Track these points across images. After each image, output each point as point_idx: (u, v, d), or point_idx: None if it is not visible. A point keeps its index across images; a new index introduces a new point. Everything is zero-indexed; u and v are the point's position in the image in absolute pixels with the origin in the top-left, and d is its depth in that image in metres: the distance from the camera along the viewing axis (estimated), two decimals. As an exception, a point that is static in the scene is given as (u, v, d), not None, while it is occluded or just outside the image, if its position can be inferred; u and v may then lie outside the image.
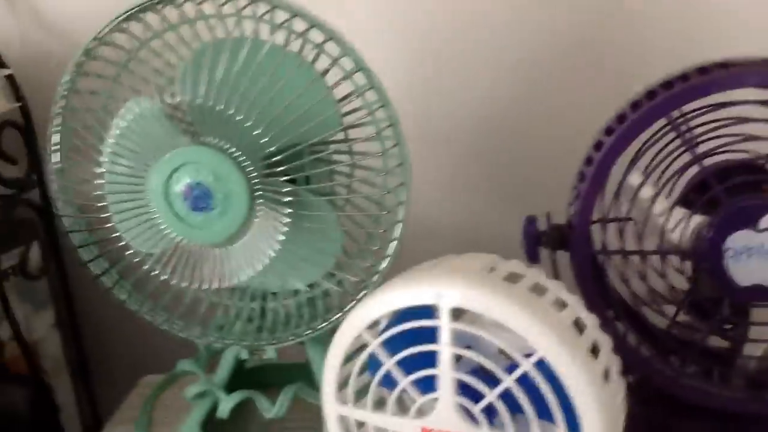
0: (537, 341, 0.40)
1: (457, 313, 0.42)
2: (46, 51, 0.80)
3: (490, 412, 0.43)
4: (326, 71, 0.52)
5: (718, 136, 0.50)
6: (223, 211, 0.51)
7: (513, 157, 0.75)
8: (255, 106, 0.50)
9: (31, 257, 0.79)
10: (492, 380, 0.42)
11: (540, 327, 0.40)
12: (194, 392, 0.63)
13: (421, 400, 0.44)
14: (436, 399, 0.43)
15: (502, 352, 0.42)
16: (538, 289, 0.44)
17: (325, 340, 0.51)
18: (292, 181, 0.53)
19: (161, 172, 0.51)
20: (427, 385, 0.44)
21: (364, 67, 0.52)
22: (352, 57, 0.52)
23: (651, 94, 0.52)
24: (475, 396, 0.43)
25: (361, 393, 0.46)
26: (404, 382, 0.44)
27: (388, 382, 0.45)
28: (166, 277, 0.55)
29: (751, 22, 0.67)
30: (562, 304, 0.44)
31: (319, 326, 0.57)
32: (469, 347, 0.43)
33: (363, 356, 0.45)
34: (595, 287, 0.55)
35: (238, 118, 0.50)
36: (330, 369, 0.46)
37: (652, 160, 0.53)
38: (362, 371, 0.46)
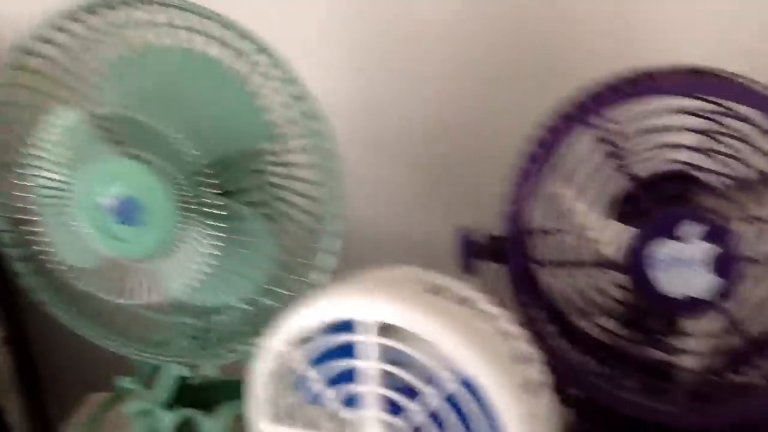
0: (464, 359, 0.40)
1: (385, 329, 0.42)
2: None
3: (419, 429, 0.42)
4: (256, 83, 0.52)
5: (646, 148, 0.50)
6: (151, 224, 0.50)
7: (459, 166, 0.74)
8: (182, 118, 0.49)
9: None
10: (419, 397, 0.41)
11: (467, 344, 0.40)
12: (134, 410, 0.62)
13: (348, 417, 0.43)
14: (363, 416, 0.42)
15: (428, 368, 0.41)
16: (466, 303, 0.43)
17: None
18: (228, 194, 0.53)
19: (88, 185, 0.50)
20: (359, 402, 0.43)
21: (295, 78, 0.51)
22: (283, 68, 0.51)
23: (576, 103, 0.52)
24: (403, 412, 0.42)
25: (289, 410, 0.45)
26: (330, 398, 0.43)
27: (317, 399, 0.44)
28: (98, 291, 0.54)
29: (687, 31, 0.68)
30: (490, 319, 0.43)
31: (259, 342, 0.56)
32: (396, 363, 0.42)
33: (285, 372, 0.44)
34: (530, 299, 0.55)
35: (164, 130, 0.49)
36: (256, 386, 0.45)
37: (583, 171, 0.52)
38: (290, 388, 0.45)
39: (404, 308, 0.40)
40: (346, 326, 0.42)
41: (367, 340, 0.40)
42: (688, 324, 0.52)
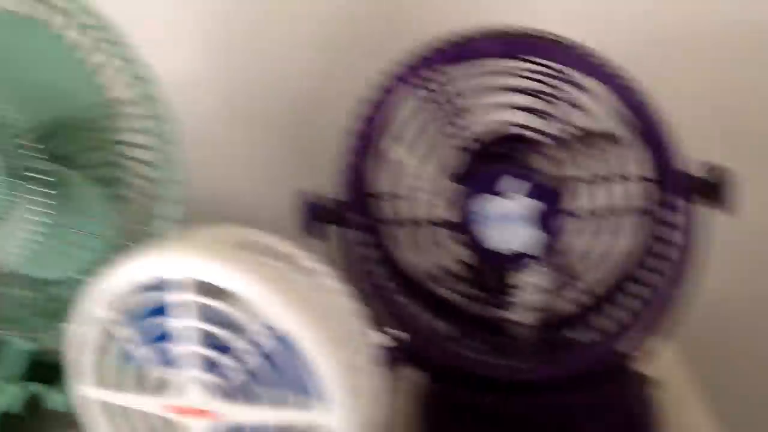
0: (279, 314, 0.40)
1: (204, 287, 0.42)
2: None
3: (240, 387, 0.42)
4: (87, 48, 0.51)
5: (473, 108, 0.51)
6: (-24, 192, 0.49)
7: (306, 132, 0.75)
8: (3, 81, 0.48)
9: None
10: (239, 355, 0.42)
11: (281, 299, 0.40)
12: (-22, 386, 0.61)
13: (170, 378, 0.43)
14: (183, 376, 0.42)
15: (244, 325, 0.41)
16: (286, 260, 0.44)
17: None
18: (61, 161, 0.52)
19: None
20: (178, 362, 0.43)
21: (122, 42, 0.50)
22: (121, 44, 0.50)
23: (404, 64, 0.53)
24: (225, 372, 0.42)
25: (111, 374, 0.45)
26: (150, 359, 0.42)
27: (138, 361, 0.43)
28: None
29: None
30: (310, 275, 0.44)
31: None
32: (216, 322, 0.42)
33: (104, 335, 0.43)
34: (375, 262, 0.56)
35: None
36: (76, 351, 0.44)
37: (414, 131, 0.53)
38: (110, 351, 0.44)
39: (217, 265, 0.40)
40: (162, 286, 0.41)
41: (180, 299, 0.40)
42: (521, 279, 0.54)
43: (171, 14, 0.75)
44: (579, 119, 0.53)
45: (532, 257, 0.52)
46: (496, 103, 0.53)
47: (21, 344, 0.59)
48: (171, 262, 0.41)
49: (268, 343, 0.40)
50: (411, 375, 0.60)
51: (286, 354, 0.40)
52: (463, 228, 0.52)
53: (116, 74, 0.52)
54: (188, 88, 0.78)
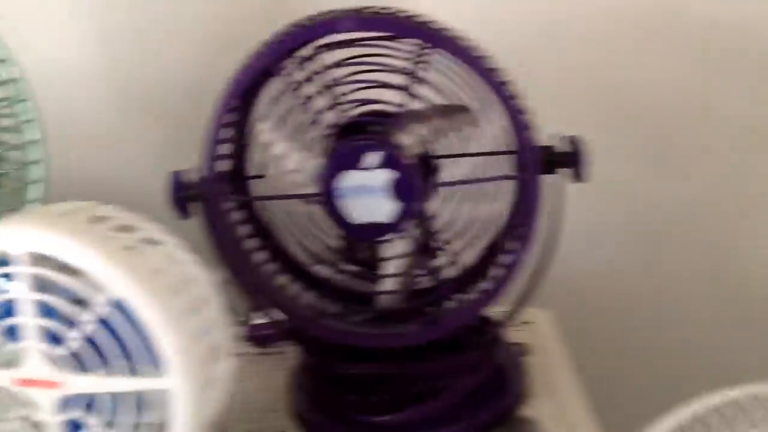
0: (114, 282, 0.40)
1: (41, 259, 0.42)
2: None
3: (83, 357, 0.42)
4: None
5: (340, 85, 0.53)
6: None
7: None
8: None
9: None
10: (82, 326, 0.42)
11: (117, 268, 0.40)
12: None
13: (11, 349, 0.43)
14: (24, 348, 0.42)
15: (88, 297, 0.42)
16: (129, 231, 0.44)
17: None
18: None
19: None
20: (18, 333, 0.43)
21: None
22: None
23: (269, 44, 0.54)
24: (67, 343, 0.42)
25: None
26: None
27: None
28: None
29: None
30: (155, 245, 0.44)
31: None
32: (58, 293, 0.42)
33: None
34: (248, 238, 0.57)
35: None
36: None
37: (279, 110, 0.54)
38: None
39: (53, 236, 0.41)
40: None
41: (17, 270, 0.41)
42: (388, 251, 0.55)
43: (67, 6, 0.75)
44: (438, 95, 0.55)
45: (394, 228, 0.53)
46: (360, 80, 0.55)
47: None
48: (11, 235, 0.41)
49: (108, 313, 0.41)
50: (286, 349, 0.62)
51: (127, 323, 0.41)
52: (328, 203, 0.53)
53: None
54: (84, 78, 0.79)
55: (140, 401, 0.42)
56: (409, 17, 0.53)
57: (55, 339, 0.42)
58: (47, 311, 0.42)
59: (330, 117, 0.53)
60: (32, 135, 0.51)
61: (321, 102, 0.53)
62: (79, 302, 0.42)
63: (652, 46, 0.75)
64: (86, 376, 0.42)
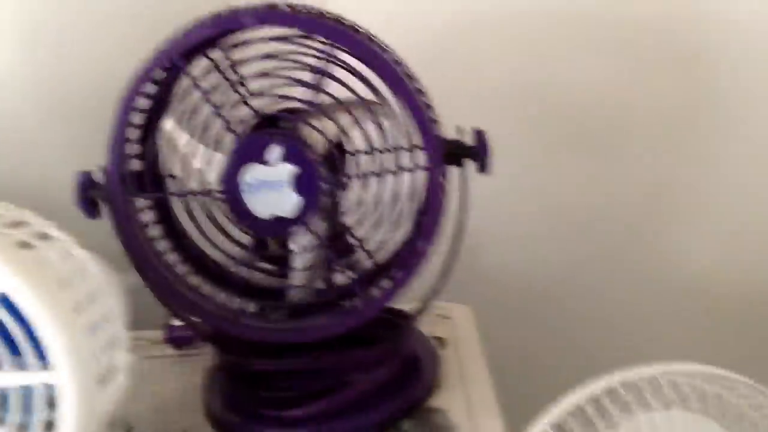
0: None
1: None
2: None
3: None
4: None
5: (248, 81, 0.53)
6: None
7: None
8: None
9: None
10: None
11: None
12: None
13: None
14: None
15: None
16: (20, 227, 0.44)
17: None
18: None
19: None
20: None
21: None
22: None
23: (174, 40, 0.53)
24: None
25: None
26: None
27: None
28: None
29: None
30: (46, 240, 0.44)
31: None
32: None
33: None
34: (159, 235, 0.57)
35: None
36: None
37: (184, 105, 0.53)
38: None
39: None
40: None
41: None
42: (295, 245, 0.55)
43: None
44: (346, 91, 0.55)
45: (299, 222, 0.53)
46: (269, 77, 0.54)
47: None
48: None
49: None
50: (204, 351, 0.62)
51: (13, 318, 0.40)
52: (233, 199, 0.53)
53: None
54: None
55: (28, 398, 0.42)
56: (315, 14, 0.54)
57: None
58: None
59: (237, 113, 0.54)
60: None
61: (228, 99, 0.54)
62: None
63: (569, 43, 0.76)
64: (-27, 373, 0.42)
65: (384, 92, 0.55)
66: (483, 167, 0.55)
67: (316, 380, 0.57)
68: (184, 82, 0.54)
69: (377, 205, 0.56)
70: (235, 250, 0.57)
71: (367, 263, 0.56)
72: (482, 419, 0.56)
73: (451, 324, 0.66)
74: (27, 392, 0.42)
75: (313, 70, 0.53)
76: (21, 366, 0.41)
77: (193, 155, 0.54)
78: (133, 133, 0.55)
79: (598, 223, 0.81)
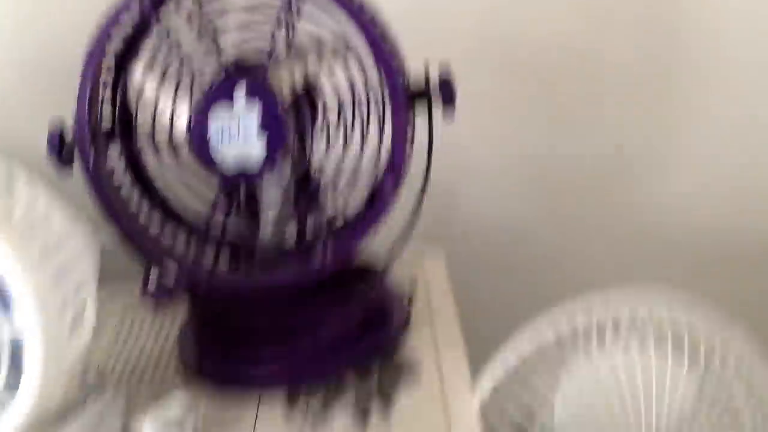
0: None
1: None
2: None
3: None
4: None
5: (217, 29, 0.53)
6: None
7: None
8: None
9: None
10: None
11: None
12: None
13: None
14: None
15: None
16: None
17: None
18: None
19: None
20: None
21: None
22: None
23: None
24: None
25: None
26: None
27: None
28: None
29: None
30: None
31: None
32: None
33: None
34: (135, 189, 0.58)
35: None
36: None
37: (151, 56, 0.55)
38: None
39: None
40: None
41: None
42: (264, 195, 0.56)
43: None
44: (314, 37, 0.55)
45: (267, 168, 0.54)
46: (239, 25, 0.55)
47: None
48: None
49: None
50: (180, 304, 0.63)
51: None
52: (200, 148, 0.54)
53: None
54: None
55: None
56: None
57: None
58: None
59: (206, 62, 0.54)
60: None
61: (199, 48, 0.54)
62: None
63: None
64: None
65: (352, 39, 0.55)
66: (448, 111, 0.55)
67: (287, 325, 0.58)
68: (154, 30, 0.55)
69: (345, 155, 0.57)
70: (206, 204, 0.58)
71: (335, 213, 0.58)
72: (447, 354, 0.58)
73: (422, 265, 0.68)
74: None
75: (283, 17, 0.54)
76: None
77: (163, 103, 0.55)
78: (104, 78, 0.55)
79: (566, 172, 0.82)
